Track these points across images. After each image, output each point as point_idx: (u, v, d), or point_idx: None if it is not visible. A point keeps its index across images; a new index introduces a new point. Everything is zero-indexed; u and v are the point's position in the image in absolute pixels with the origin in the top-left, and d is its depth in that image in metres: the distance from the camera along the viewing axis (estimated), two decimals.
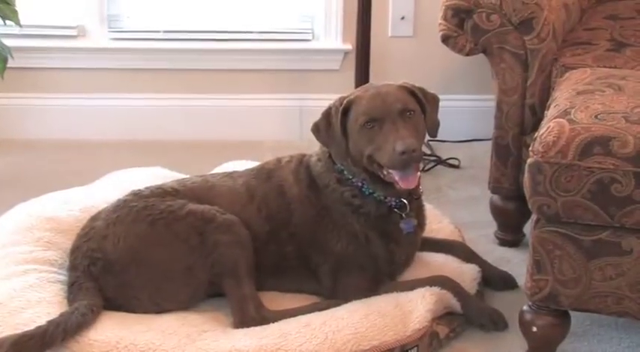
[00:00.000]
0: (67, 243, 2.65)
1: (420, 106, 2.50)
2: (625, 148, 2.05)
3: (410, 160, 2.36)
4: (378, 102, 2.44)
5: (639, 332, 2.53)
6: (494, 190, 2.97)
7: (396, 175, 2.42)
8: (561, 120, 2.15)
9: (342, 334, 2.33)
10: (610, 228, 2.11)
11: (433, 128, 2.56)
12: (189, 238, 2.45)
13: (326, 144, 2.56)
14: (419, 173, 2.46)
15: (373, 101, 2.45)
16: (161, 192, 2.59)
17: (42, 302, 2.40)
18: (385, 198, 2.52)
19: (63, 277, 2.54)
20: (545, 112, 2.39)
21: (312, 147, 2.68)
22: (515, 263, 2.89)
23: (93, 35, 3.96)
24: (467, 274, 2.67)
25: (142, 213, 2.49)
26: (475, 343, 2.51)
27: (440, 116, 2.59)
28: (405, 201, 2.53)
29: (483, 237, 3.08)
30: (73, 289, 2.44)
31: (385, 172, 2.44)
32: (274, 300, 2.54)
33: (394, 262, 2.58)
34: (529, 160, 2.13)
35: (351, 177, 2.53)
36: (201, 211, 2.49)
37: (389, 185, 2.48)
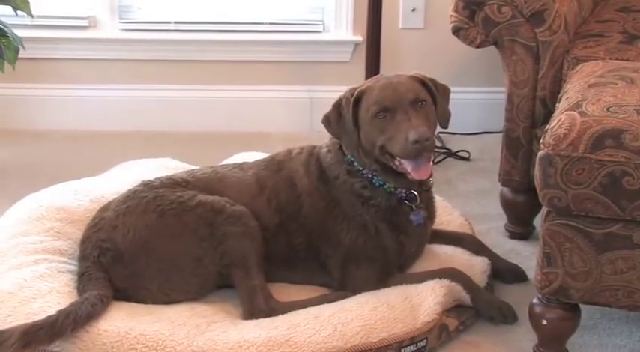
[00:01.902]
0: (78, 233, 2.66)
1: (431, 97, 2.49)
2: (637, 141, 2.04)
3: (422, 149, 2.36)
4: (389, 92, 2.44)
5: None
6: (504, 183, 2.96)
7: (408, 165, 2.41)
8: (572, 112, 2.14)
9: (351, 326, 2.33)
10: (621, 222, 2.11)
11: (444, 119, 2.56)
12: (199, 229, 2.45)
13: (337, 135, 2.55)
14: (431, 163, 2.45)
15: (385, 91, 2.45)
16: (171, 183, 2.60)
17: (52, 291, 2.41)
18: (395, 189, 2.52)
19: (73, 267, 2.55)
20: (557, 105, 2.38)
21: (322, 138, 2.68)
22: (525, 256, 2.89)
23: (104, 26, 3.96)
24: (476, 267, 2.67)
25: (151, 203, 2.49)
26: (485, 336, 2.51)
27: (450, 108, 2.59)
28: (415, 192, 2.53)
29: (493, 229, 3.08)
30: (83, 279, 2.44)
31: (397, 162, 2.44)
32: (283, 292, 2.54)
33: (404, 254, 2.58)
34: (540, 153, 2.12)
35: (361, 168, 2.53)
36: (211, 202, 2.49)
37: (400, 176, 2.47)
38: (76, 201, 2.82)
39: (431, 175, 2.47)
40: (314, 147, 2.67)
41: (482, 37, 2.83)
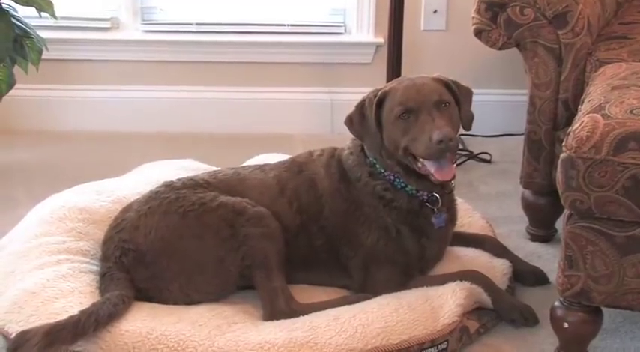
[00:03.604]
0: (100, 233, 2.67)
1: (454, 99, 2.49)
2: None
3: (446, 149, 2.36)
4: (413, 93, 2.44)
5: None
6: (526, 185, 2.95)
7: (431, 167, 2.41)
8: (595, 115, 2.13)
9: (372, 328, 2.32)
10: None
11: (468, 121, 2.55)
12: (220, 230, 2.46)
13: (360, 136, 2.55)
14: (454, 165, 2.44)
15: (408, 92, 2.45)
16: (193, 184, 2.61)
17: (74, 291, 2.42)
18: (417, 191, 2.52)
19: (95, 267, 2.56)
20: (579, 107, 2.37)
21: (343, 140, 2.68)
22: (547, 258, 2.88)
23: (126, 27, 3.99)
24: (498, 269, 2.66)
25: (173, 204, 2.50)
26: (506, 338, 2.50)
27: (472, 110, 2.58)
28: (437, 195, 2.53)
29: (514, 232, 3.07)
30: (104, 279, 2.46)
31: (420, 164, 2.43)
32: (304, 293, 2.54)
33: (425, 256, 2.58)
34: (562, 155, 2.11)
35: (383, 170, 2.53)
36: (232, 203, 2.50)
37: (422, 178, 2.47)
38: (98, 202, 2.84)
39: (454, 177, 2.47)
40: (335, 149, 2.67)
41: (504, 39, 2.82)
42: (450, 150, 2.37)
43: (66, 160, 3.74)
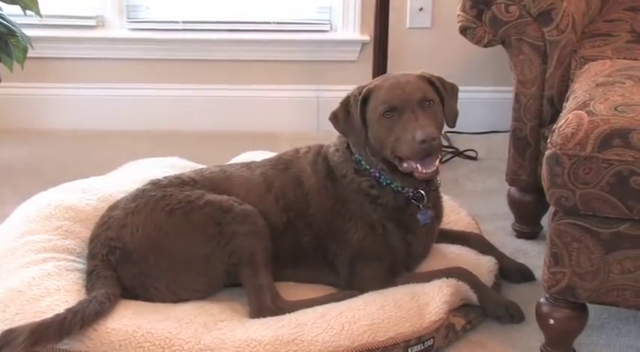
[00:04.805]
0: (86, 231, 2.66)
1: (438, 96, 2.49)
2: None
3: (430, 149, 2.36)
4: (397, 92, 2.44)
5: None
6: (511, 182, 2.96)
7: (414, 162, 2.41)
8: (580, 112, 2.14)
9: (358, 325, 2.33)
10: (629, 221, 2.10)
11: (452, 118, 2.55)
12: (207, 228, 2.46)
13: (344, 133, 2.56)
14: (437, 161, 2.44)
15: (393, 90, 2.45)
16: (179, 182, 2.60)
17: (60, 290, 2.41)
18: (403, 188, 2.52)
19: (81, 265, 2.55)
20: (564, 104, 2.38)
21: (329, 138, 2.68)
22: (533, 255, 2.88)
23: (112, 25, 3.97)
24: (484, 266, 2.67)
25: (160, 202, 2.50)
26: (491, 335, 2.51)
27: (458, 107, 2.58)
28: (422, 192, 2.53)
29: (500, 229, 3.08)
30: (91, 277, 2.45)
31: (405, 164, 2.43)
32: (291, 291, 2.54)
33: (411, 253, 2.58)
34: (547, 152, 2.12)
35: (368, 167, 2.53)
36: (219, 201, 2.49)
37: (407, 175, 2.47)
38: (84, 200, 2.83)
39: (437, 172, 2.47)
40: (321, 146, 2.67)
41: (489, 36, 2.83)
42: (433, 150, 2.37)
43: (51, 158, 3.72)
